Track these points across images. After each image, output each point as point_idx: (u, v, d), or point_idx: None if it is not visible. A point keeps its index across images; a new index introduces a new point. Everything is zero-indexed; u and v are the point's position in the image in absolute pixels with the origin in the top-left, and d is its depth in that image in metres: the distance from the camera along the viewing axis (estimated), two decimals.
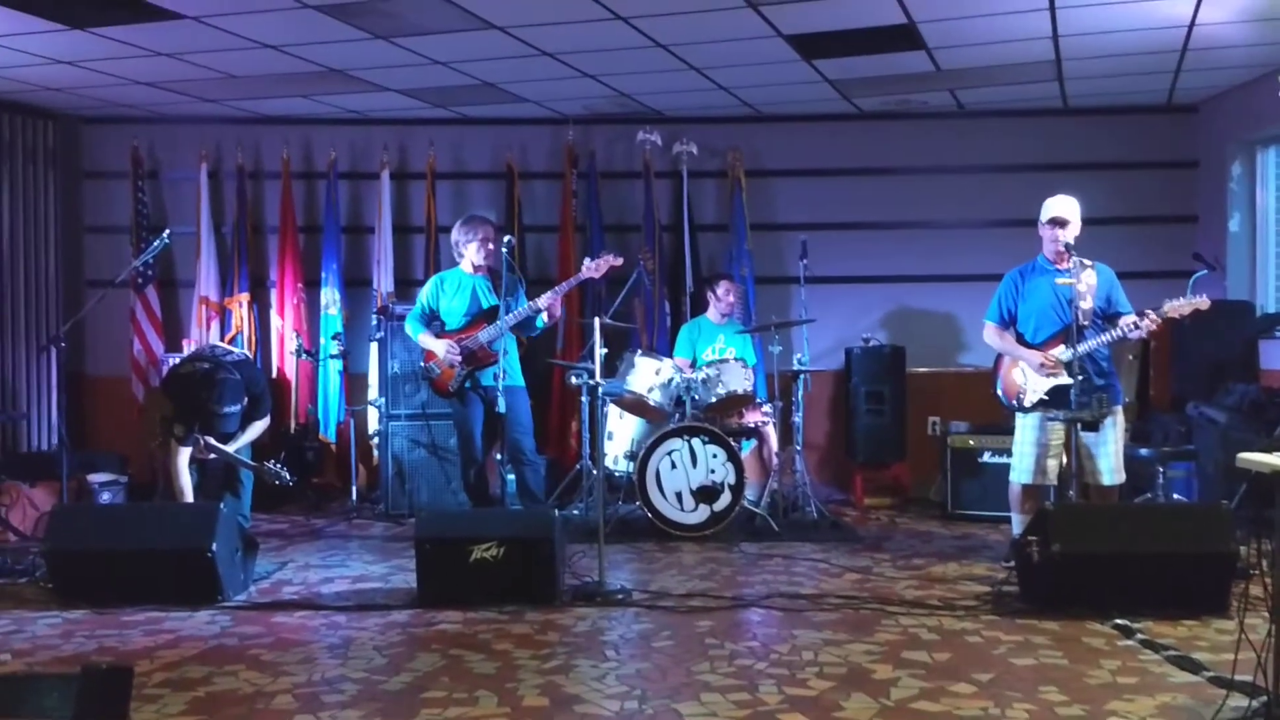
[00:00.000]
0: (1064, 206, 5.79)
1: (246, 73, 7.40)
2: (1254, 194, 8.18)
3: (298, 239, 8.88)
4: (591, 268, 6.53)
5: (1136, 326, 5.57)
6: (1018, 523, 5.90)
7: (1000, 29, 6.49)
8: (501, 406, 6.33)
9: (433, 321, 6.73)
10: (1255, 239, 8.16)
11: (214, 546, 5.26)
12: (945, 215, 8.86)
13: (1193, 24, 6.41)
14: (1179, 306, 5.48)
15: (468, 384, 6.59)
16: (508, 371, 6.51)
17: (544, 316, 6.54)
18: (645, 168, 8.74)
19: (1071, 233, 5.75)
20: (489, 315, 6.60)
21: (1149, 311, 5.55)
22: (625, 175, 8.97)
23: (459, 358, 6.52)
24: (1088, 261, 5.84)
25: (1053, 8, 6.09)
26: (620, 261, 6.74)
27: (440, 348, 6.58)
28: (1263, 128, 7.83)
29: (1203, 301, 5.49)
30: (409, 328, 6.82)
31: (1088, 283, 5.77)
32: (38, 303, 8.53)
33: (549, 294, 6.53)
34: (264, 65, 7.16)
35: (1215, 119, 8.44)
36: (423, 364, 6.83)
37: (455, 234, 6.83)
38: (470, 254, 6.71)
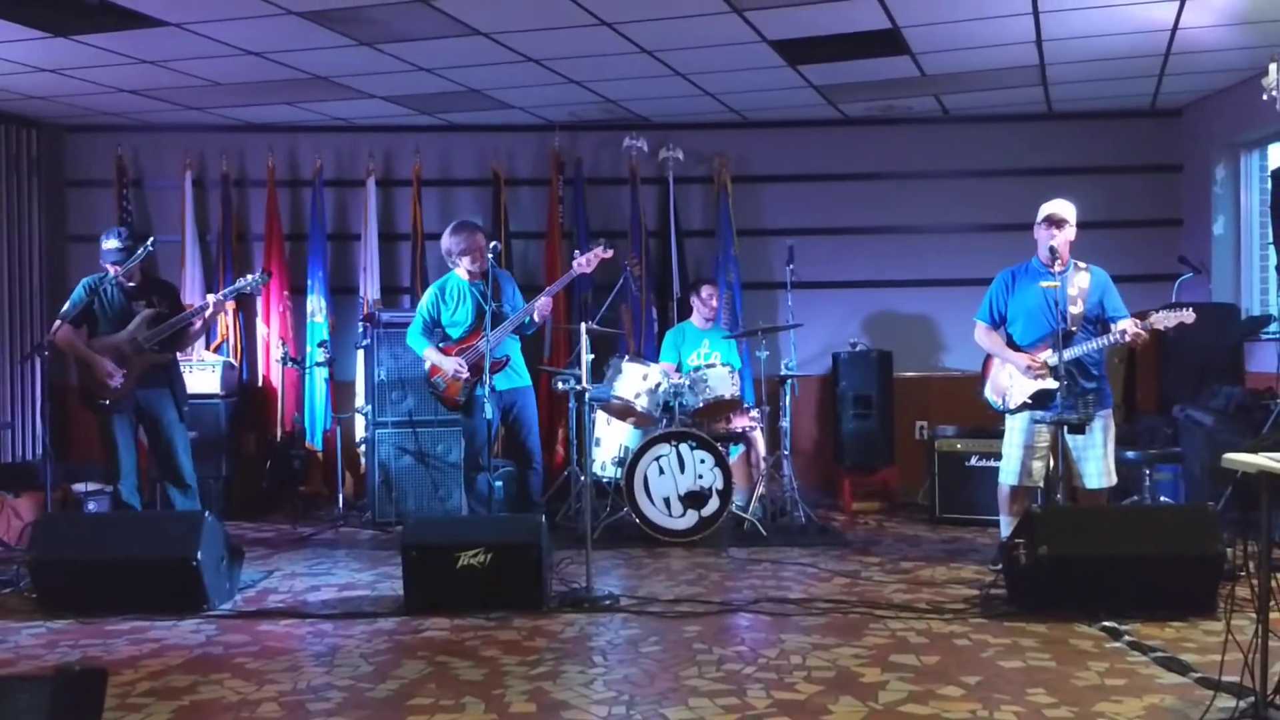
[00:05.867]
0: (1060, 206, 5.81)
1: (230, 80, 7.37)
2: (1238, 197, 8.21)
3: (283, 247, 8.85)
4: (581, 262, 6.45)
5: (1124, 334, 5.59)
6: (1006, 525, 5.91)
7: (984, 34, 6.51)
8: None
9: (434, 330, 6.63)
10: (1240, 242, 8.20)
11: (199, 555, 5.24)
12: (931, 220, 8.88)
13: (1176, 28, 6.44)
14: (1165, 319, 5.51)
15: (478, 391, 6.41)
16: (517, 372, 6.57)
17: (535, 315, 6.49)
18: (632, 174, 8.74)
19: (1066, 235, 5.76)
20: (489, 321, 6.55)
21: (1136, 321, 5.58)
22: (612, 181, 8.97)
23: (466, 373, 6.40)
24: (1082, 265, 5.86)
25: (1036, 12, 6.11)
26: (610, 254, 6.65)
27: (449, 365, 6.44)
28: (1246, 131, 7.87)
29: (1188, 315, 5.51)
30: (412, 343, 6.64)
31: (1079, 286, 5.78)
32: (21, 312, 8.49)
33: (543, 295, 6.49)
34: (248, 72, 7.14)
35: (1199, 123, 8.47)
36: (428, 379, 6.65)
37: (446, 242, 6.62)
38: (465, 262, 6.57)
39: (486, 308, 6.35)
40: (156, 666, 4.50)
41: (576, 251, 6.59)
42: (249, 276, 6.58)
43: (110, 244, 6.32)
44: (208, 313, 6.43)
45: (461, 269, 6.63)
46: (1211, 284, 8.17)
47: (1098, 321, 5.79)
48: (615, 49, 6.72)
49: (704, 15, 6.07)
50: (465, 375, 6.39)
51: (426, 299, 6.71)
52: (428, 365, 6.63)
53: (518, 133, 8.93)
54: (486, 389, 6.17)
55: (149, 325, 6.33)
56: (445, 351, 6.52)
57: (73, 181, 9.01)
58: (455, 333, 6.59)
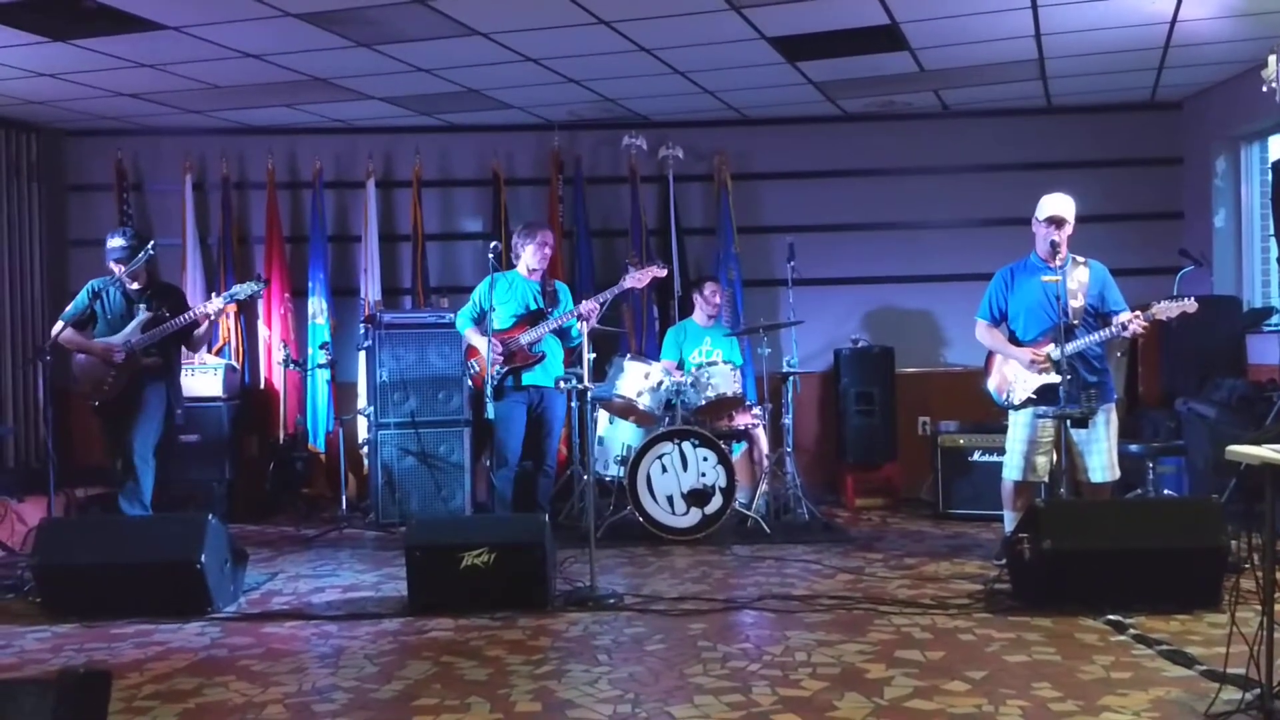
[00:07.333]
0: (1061, 205, 5.78)
1: (230, 83, 7.37)
2: (1239, 189, 8.21)
3: (284, 249, 8.85)
4: (635, 278, 6.55)
5: (1125, 327, 5.58)
6: (1010, 520, 5.90)
7: (983, 28, 6.50)
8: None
9: (482, 320, 6.76)
10: (1241, 234, 8.19)
11: (203, 558, 5.24)
12: (931, 215, 8.87)
13: (1175, 20, 6.43)
14: (1167, 309, 5.50)
15: (509, 383, 6.58)
16: (551, 373, 6.66)
17: (580, 325, 6.50)
18: (631, 172, 8.74)
19: (1066, 232, 5.75)
20: (534, 319, 6.67)
21: (1138, 313, 5.57)
22: (611, 180, 8.97)
23: (500, 356, 6.51)
24: (1080, 259, 5.85)
25: (1035, 6, 6.10)
26: (665, 272, 6.80)
27: (485, 345, 6.55)
28: (1246, 123, 7.86)
29: (1190, 304, 5.50)
30: (459, 323, 6.88)
31: (1079, 280, 5.77)
32: (23, 316, 8.49)
33: (589, 301, 6.48)
34: (247, 75, 7.14)
35: (1199, 115, 8.46)
36: (464, 360, 6.94)
37: (515, 237, 6.88)
38: (526, 257, 6.75)
39: (544, 305, 6.57)
40: (161, 669, 4.50)
41: (630, 267, 6.65)
42: (246, 284, 6.50)
43: (115, 242, 6.36)
44: (200, 323, 6.34)
45: (522, 264, 6.77)
46: (1213, 277, 8.16)
47: (1098, 315, 5.79)
48: (613, 47, 6.71)
49: (702, 13, 6.06)
50: (499, 357, 6.49)
51: (481, 286, 6.85)
52: (466, 347, 6.86)
53: (517, 132, 8.92)
54: (490, 386, 6.20)
55: (143, 330, 6.32)
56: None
57: (73, 186, 9.01)
58: (499, 323, 6.69)
